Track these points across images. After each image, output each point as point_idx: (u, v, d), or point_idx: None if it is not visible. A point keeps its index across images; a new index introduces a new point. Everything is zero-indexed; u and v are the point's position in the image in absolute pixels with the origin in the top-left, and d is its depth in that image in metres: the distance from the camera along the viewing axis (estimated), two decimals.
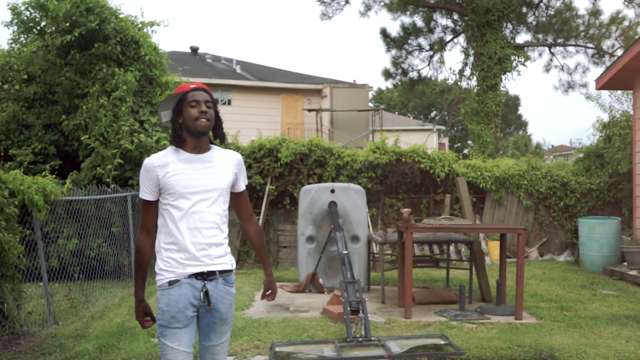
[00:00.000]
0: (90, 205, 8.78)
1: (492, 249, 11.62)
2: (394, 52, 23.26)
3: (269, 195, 11.57)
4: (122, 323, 6.67)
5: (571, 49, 21.07)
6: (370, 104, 43.45)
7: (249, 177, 11.38)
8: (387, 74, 23.64)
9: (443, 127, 35.67)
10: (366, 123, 23.63)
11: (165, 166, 2.90)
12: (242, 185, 3.13)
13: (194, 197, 2.90)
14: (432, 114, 52.62)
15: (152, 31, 11.11)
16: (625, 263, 10.00)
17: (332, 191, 8.64)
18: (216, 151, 3.05)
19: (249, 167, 11.47)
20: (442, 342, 5.46)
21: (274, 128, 23.04)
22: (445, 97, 24.15)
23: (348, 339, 5.44)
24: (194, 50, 28.35)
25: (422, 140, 18.60)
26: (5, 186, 5.74)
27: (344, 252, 7.02)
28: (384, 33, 22.93)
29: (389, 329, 6.29)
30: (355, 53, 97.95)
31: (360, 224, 8.65)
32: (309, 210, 8.71)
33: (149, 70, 10.75)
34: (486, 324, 6.56)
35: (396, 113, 50.15)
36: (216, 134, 3.08)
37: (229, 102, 23.51)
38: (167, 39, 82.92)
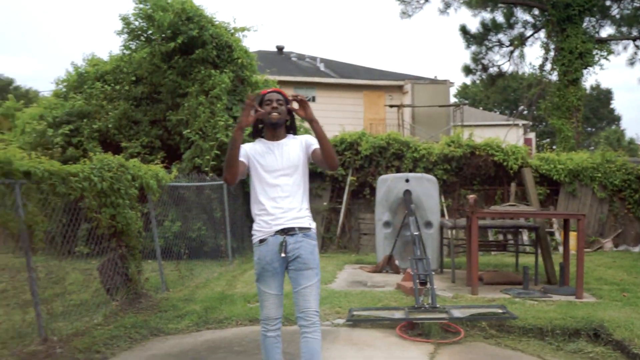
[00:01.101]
0: (192, 192, 9.95)
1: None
2: (473, 48, 23.60)
3: (350, 185, 12.45)
4: (222, 291, 7.72)
5: None
6: (455, 99, 43.35)
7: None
8: (467, 70, 23.98)
9: (529, 122, 35.27)
10: (447, 118, 23.92)
11: (253, 149, 3.82)
12: (315, 146, 3.79)
13: (274, 173, 3.73)
14: (520, 109, 51.93)
15: (243, 36, 12.23)
16: None
17: (407, 180, 9.40)
18: (290, 138, 3.85)
19: None
20: (500, 311, 6.14)
21: (357, 124, 23.70)
22: (525, 92, 24.20)
23: (416, 306, 6.22)
24: (280, 49, 29.47)
25: (508, 135, 18.92)
26: (128, 172, 6.88)
27: (415, 233, 7.78)
28: (464, 30, 23.30)
29: (455, 302, 7.01)
30: (436, 50, 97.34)
31: (433, 211, 9.37)
32: (385, 198, 9.51)
33: (240, 72, 11.88)
34: (547, 302, 7.13)
35: (480, 108, 49.88)
36: (289, 127, 3.91)
37: (313, 99, 24.40)
38: (255, 39, 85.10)
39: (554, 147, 38.15)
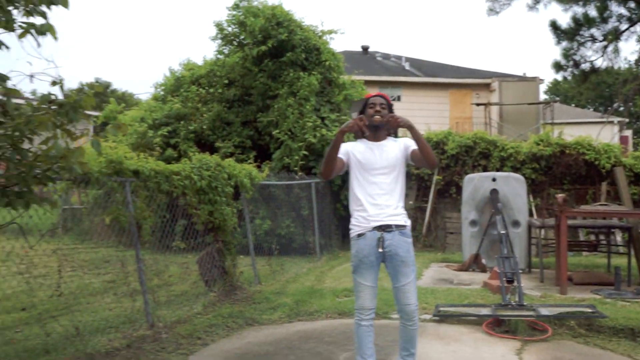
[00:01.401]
0: (281, 190, 10.33)
1: None
2: (564, 44, 22.76)
3: (436, 184, 12.51)
4: (312, 286, 8.03)
5: None
6: (545, 97, 41.97)
7: (417, 168, 12.42)
8: (557, 66, 23.16)
9: (626, 120, 33.80)
10: (537, 116, 23.35)
11: (354, 148, 4.07)
12: (413, 147, 4.01)
13: (373, 172, 3.98)
14: (614, 106, 49.77)
15: (330, 38, 12.56)
16: None
17: (494, 179, 9.39)
18: (390, 140, 4.09)
19: None
20: (589, 311, 6.10)
21: (442, 123, 23.52)
22: (620, 88, 23.27)
23: (503, 303, 6.27)
24: (365, 49, 29.66)
25: (601, 133, 18.30)
26: (224, 171, 7.30)
27: (502, 231, 7.80)
28: (554, 25, 22.53)
29: (543, 301, 6.99)
30: (525, 46, 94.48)
31: (520, 210, 9.32)
32: (471, 197, 9.54)
33: (328, 73, 12.20)
34: None
35: (572, 105, 48.20)
36: (390, 130, 4.15)
37: (398, 99, 24.45)
38: (340, 40, 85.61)
39: None
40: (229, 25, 12.28)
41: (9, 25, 3.14)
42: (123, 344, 5.25)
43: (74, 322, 5.54)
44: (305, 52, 11.99)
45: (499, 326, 6.00)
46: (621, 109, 25.73)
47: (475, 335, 5.79)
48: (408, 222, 4.03)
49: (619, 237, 11.70)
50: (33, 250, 6.36)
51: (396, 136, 4.20)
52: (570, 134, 13.03)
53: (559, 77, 34.12)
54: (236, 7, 12.22)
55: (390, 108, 4.10)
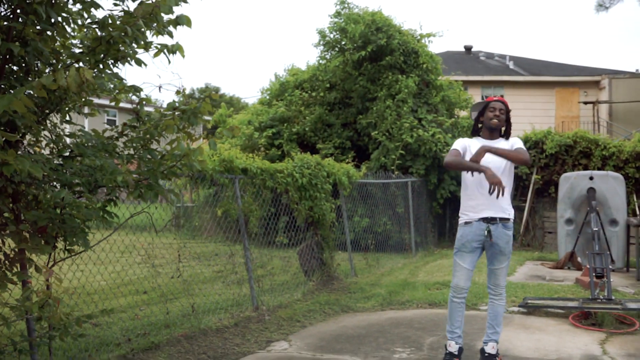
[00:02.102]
0: (379, 189, 10.80)
1: None
2: None
3: (534, 184, 12.52)
4: (405, 279, 8.45)
5: None
6: None
7: (515, 168, 12.49)
8: None
9: None
10: None
11: (470, 143, 4.51)
12: (515, 147, 4.44)
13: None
14: None
15: (428, 41, 12.87)
16: None
17: (591, 178, 9.39)
18: (501, 141, 4.50)
19: None
20: None
21: (548, 122, 23.04)
22: None
23: (591, 297, 6.42)
24: (468, 49, 29.48)
25: None
26: (324, 169, 7.87)
27: (595, 228, 7.87)
28: None
29: (635, 297, 7.04)
30: (637, 42, 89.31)
31: (619, 209, 9.27)
32: (568, 195, 9.58)
33: (426, 75, 12.55)
34: None
35: None
36: (505, 133, 4.58)
37: None
38: (443, 40, 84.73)
39: None
40: (331, 32, 12.93)
41: (146, 46, 3.81)
42: (231, 322, 5.92)
43: (190, 303, 6.28)
44: (403, 55, 12.41)
45: (586, 319, 6.17)
46: None
47: (561, 327, 6.00)
48: (512, 216, 4.47)
49: None
50: (152, 244, 7.22)
51: (508, 138, 4.60)
52: None
53: None
54: (337, 14, 12.85)
55: (508, 113, 4.54)
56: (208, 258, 10.47)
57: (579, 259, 9.36)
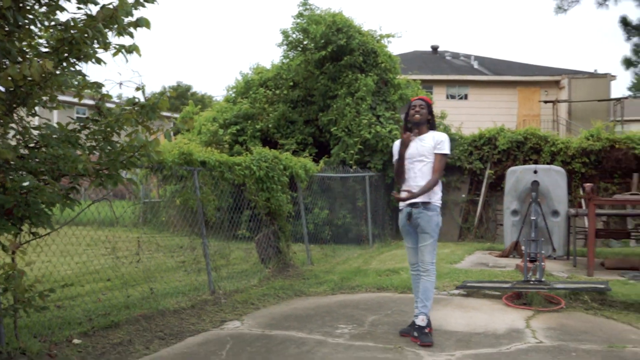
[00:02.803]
0: (338, 183, 11.28)
1: None
2: (635, 40, 22.61)
3: (487, 178, 13.13)
4: (359, 267, 8.94)
5: None
6: (629, 93, 40.80)
7: (469, 163, 13.11)
8: (627, 63, 22.85)
9: None
10: (608, 114, 23.10)
11: (395, 148, 5.19)
12: (436, 150, 5.08)
13: (411, 159, 5.04)
14: None
15: (388, 42, 13.42)
16: None
17: (535, 172, 9.98)
18: (430, 134, 5.11)
19: (470, 153, 13.18)
20: (602, 287, 6.70)
21: (510, 120, 23.66)
22: None
23: (524, 280, 6.97)
24: (435, 49, 30.11)
25: None
26: (281, 162, 8.31)
27: (533, 218, 8.44)
28: (624, 21, 22.41)
29: (567, 280, 7.62)
30: (596, 43, 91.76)
31: (560, 201, 9.88)
32: (514, 188, 10.17)
33: (384, 74, 13.08)
34: None
35: None
36: (429, 126, 5.20)
37: (465, 97, 24.82)
38: (411, 40, 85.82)
39: None
40: (294, 32, 13.39)
41: (106, 46, 4.22)
42: (188, 305, 6.32)
43: (150, 287, 6.68)
44: (362, 55, 12.91)
45: (518, 299, 6.72)
46: None
47: (494, 307, 6.53)
48: (433, 199, 5.06)
49: None
50: (117, 237, 7.58)
51: (435, 129, 5.28)
52: None
53: (629, 73, 33.27)
54: (300, 15, 13.31)
55: (429, 108, 5.20)
56: (172, 250, 10.83)
57: (522, 248, 9.94)
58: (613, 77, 24.10)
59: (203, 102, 36.27)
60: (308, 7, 13.34)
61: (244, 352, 4.74)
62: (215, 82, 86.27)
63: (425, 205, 5.01)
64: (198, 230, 7.40)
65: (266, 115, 13.71)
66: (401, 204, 5.15)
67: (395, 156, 5.20)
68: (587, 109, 22.61)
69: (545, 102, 23.70)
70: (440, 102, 21.76)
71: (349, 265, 9.20)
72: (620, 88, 70.22)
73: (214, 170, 7.08)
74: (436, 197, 5.09)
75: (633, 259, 9.00)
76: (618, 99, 23.29)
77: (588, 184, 8.02)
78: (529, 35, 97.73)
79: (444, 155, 5.08)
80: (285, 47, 13.80)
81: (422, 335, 4.93)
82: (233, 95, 14.98)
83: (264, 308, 6.53)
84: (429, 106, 5.19)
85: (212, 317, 6.01)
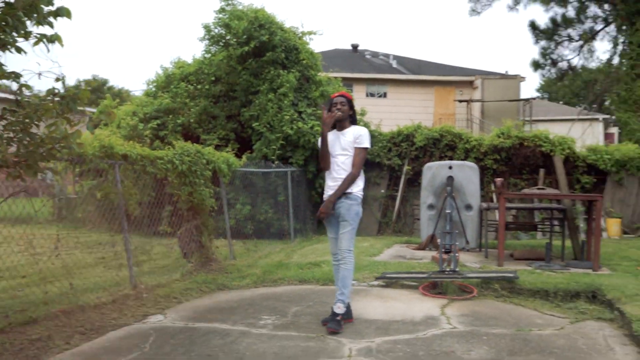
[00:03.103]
0: (260, 178, 11.35)
1: (609, 226, 12.62)
2: (543, 43, 23.94)
3: (405, 174, 13.54)
4: (280, 261, 9.06)
5: None
6: (537, 94, 42.59)
7: (388, 159, 13.48)
8: (535, 65, 24.32)
9: (612, 117, 34.75)
10: (518, 113, 24.20)
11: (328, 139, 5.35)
12: (356, 144, 5.28)
13: (335, 153, 5.28)
14: (585, 105, 50.75)
15: (309, 39, 13.57)
16: None
17: (450, 167, 10.40)
18: (351, 129, 5.33)
19: (389, 150, 13.56)
20: (511, 275, 7.12)
21: (427, 118, 24.40)
22: (592, 86, 24.31)
23: (439, 271, 7.30)
24: (355, 47, 30.59)
25: (583, 130, 19.17)
26: (203, 157, 8.31)
27: (447, 211, 8.83)
28: (533, 25, 23.67)
29: (478, 270, 8.02)
30: (506, 45, 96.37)
31: (473, 195, 10.34)
32: (430, 183, 10.56)
33: (306, 71, 13.23)
34: (564, 273, 7.99)
35: (560, 103, 49.19)
36: (351, 121, 5.41)
37: (385, 95, 25.38)
38: (332, 38, 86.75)
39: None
40: (216, 27, 13.31)
41: (26, 35, 4.14)
42: (109, 299, 6.25)
43: (69, 283, 6.54)
44: (285, 51, 13.00)
45: (434, 288, 7.03)
46: (591, 107, 26.70)
47: (411, 296, 6.81)
48: (355, 190, 5.28)
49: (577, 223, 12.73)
50: (32, 235, 7.35)
51: (356, 123, 5.48)
52: (555, 132, 13.97)
53: (538, 75, 35.11)
54: (222, 10, 13.24)
55: (350, 103, 5.41)
56: (90, 247, 10.58)
57: (438, 241, 10.35)
58: (523, 79, 25.30)
59: (120, 96, 35.31)
60: (230, 2, 13.30)
61: (167, 345, 4.77)
62: (133, 77, 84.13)
63: (347, 195, 5.23)
64: (118, 226, 7.32)
65: (187, 110, 13.58)
66: (325, 195, 5.38)
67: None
68: (498, 109, 23.63)
69: (460, 101, 24.56)
70: (360, 99, 22.20)
71: (271, 259, 9.31)
72: (529, 89, 73.73)
73: (136, 164, 7.01)
74: (357, 188, 5.31)
75: (539, 250, 9.55)
76: (527, 100, 24.46)
77: (499, 179, 8.46)
78: (446, 36, 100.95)
79: (363, 149, 5.28)
80: (207, 41, 13.69)
81: (332, 322, 5.14)
82: (153, 89, 14.72)
83: (187, 302, 6.54)
84: (349, 102, 5.41)
85: (134, 311, 5.97)
